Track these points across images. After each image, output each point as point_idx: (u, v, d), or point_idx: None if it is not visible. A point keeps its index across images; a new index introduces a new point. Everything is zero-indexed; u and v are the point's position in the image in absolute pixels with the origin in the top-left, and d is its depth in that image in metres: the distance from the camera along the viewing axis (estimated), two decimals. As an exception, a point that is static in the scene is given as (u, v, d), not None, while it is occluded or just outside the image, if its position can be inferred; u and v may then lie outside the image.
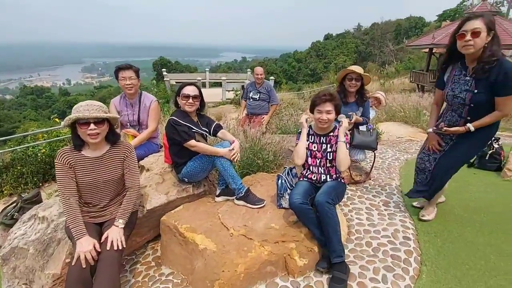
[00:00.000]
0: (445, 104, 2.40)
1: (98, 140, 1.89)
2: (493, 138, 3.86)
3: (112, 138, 2.02)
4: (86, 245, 1.79)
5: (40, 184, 5.19)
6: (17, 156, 5.28)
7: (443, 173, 2.36)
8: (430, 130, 2.42)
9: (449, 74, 2.26)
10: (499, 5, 24.49)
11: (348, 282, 1.98)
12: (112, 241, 1.86)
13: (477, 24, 1.92)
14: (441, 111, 2.46)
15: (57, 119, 7.59)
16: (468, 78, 2.10)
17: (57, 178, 1.90)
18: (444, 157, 2.34)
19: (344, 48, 46.93)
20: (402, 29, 44.90)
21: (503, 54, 1.97)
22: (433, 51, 13.23)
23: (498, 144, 3.77)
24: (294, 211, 2.22)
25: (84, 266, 1.75)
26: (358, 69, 3.12)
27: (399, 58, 32.92)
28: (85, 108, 1.83)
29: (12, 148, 5.50)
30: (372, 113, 3.83)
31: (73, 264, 1.76)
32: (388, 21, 47.78)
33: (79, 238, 1.81)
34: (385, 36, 43.93)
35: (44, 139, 5.64)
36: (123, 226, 1.97)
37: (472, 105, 2.09)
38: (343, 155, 2.31)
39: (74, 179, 1.91)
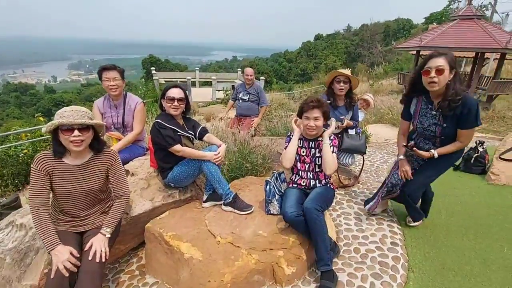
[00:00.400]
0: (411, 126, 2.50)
1: (81, 147, 1.79)
2: (478, 141, 3.93)
3: (96, 146, 1.92)
4: (62, 255, 1.69)
5: (21, 187, 5.00)
6: (-1, 156, 5.06)
7: (412, 191, 2.40)
8: (401, 157, 2.45)
9: (415, 108, 2.36)
10: (483, 9, 25.13)
11: (336, 290, 1.96)
12: (95, 251, 1.78)
13: (441, 62, 2.02)
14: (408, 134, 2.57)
15: (41, 118, 7.34)
16: (435, 112, 2.22)
17: (30, 184, 1.80)
18: (415, 176, 2.40)
19: (334, 49, 47.31)
20: (391, 30, 45.59)
21: (464, 90, 2.09)
22: (420, 53, 13.47)
23: (483, 148, 3.84)
24: (290, 224, 2.20)
25: (67, 275, 1.66)
26: (345, 71, 3.11)
27: (388, 59, 33.44)
28: (70, 114, 1.73)
29: (-7, 148, 5.28)
30: (361, 116, 3.85)
31: (51, 277, 1.66)
32: (377, 23, 48.42)
33: (52, 249, 1.71)
34: (374, 37, 44.51)
35: (28, 139, 5.44)
36: (109, 235, 1.89)
37: (443, 137, 2.23)
38: (329, 158, 2.29)
39: (48, 188, 1.81)
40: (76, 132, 1.73)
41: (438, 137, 2.25)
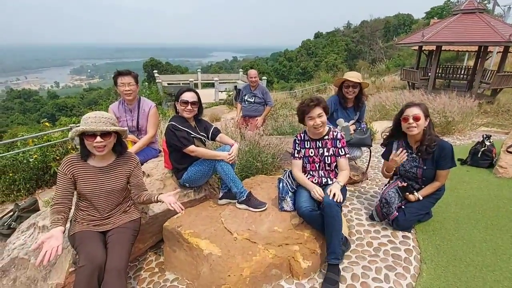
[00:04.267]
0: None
1: (104, 152, 1.89)
2: (485, 135, 3.97)
3: (119, 149, 2.03)
4: (53, 240, 1.66)
5: (33, 191, 5.10)
6: (8, 162, 5.17)
7: (404, 221, 2.48)
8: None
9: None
10: (485, 2, 25.01)
11: (351, 282, 2.04)
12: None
13: (416, 110, 2.36)
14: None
15: (47, 123, 7.45)
16: (415, 155, 2.52)
17: (56, 185, 1.90)
18: (406, 208, 2.52)
19: (335, 46, 47.28)
20: (391, 26, 45.47)
21: (436, 136, 2.44)
22: (423, 48, 13.44)
23: (490, 142, 3.88)
24: (305, 219, 2.29)
25: (45, 263, 1.61)
26: (354, 77, 3.11)
27: (389, 55, 33.37)
28: (93, 120, 1.81)
29: (1, 155, 5.38)
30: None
31: (37, 262, 1.60)
32: (377, 19, 48.33)
33: (52, 228, 1.73)
34: (374, 34, 44.43)
35: (35, 144, 5.54)
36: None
37: (424, 178, 2.52)
38: (345, 177, 2.44)
39: (71, 190, 1.92)
40: (98, 138, 1.82)
41: (419, 178, 2.54)
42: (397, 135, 2.60)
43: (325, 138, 2.49)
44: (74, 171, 1.90)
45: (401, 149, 2.47)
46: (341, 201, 2.14)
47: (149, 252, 2.63)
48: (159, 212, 2.48)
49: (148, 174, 2.82)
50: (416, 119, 2.34)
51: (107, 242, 1.97)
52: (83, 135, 1.83)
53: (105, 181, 1.98)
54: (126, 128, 2.03)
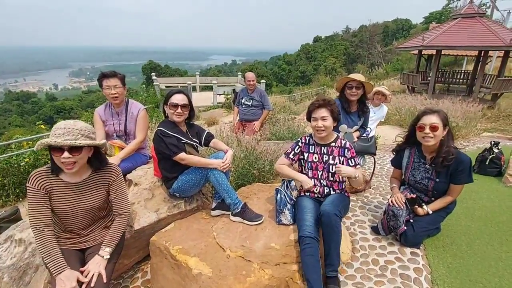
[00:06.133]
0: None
1: (73, 170, 1.62)
2: (493, 142, 3.80)
3: (95, 163, 1.75)
4: (69, 283, 1.54)
5: (23, 197, 4.89)
6: (0, 166, 4.96)
7: (413, 236, 2.29)
8: (394, 185, 2.54)
9: (408, 160, 2.43)
10: (483, 7, 25.07)
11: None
12: (92, 276, 1.63)
13: (434, 119, 2.11)
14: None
15: (42, 126, 7.25)
16: (428, 166, 2.29)
17: (28, 205, 1.63)
18: (414, 222, 2.32)
19: (334, 50, 47.31)
20: (390, 31, 45.64)
21: (455, 147, 2.18)
22: (422, 52, 13.35)
23: (498, 149, 3.70)
24: (303, 243, 1.96)
25: None
26: (358, 76, 2.94)
27: (388, 60, 33.39)
28: (60, 132, 1.55)
29: (-5, 158, 5.18)
30: (384, 110, 3.79)
31: None
32: (376, 23, 48.50)
33: (58, 274, 1.56)
34: (373, 38, 44.52)
35: (29, 147, 5.34)
36: (108, 256, 1.74)
37: (435, 191, 2.31)
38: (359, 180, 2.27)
39: (49, 206, 1.66)
40: (66, 154, 1.55)
41: (430, 191, 2.32)
42: (411, 142, 2.38)
43: (331, 145, 2.30)
44: (46, 185, 1.65)
45: (413, 195, 2.32)
46: (340, 171, 2.08)
47: (135, 268, 2.42)
48: (146, 225, 2.28)
49: (136, 183, 2.62)
50: (434, 128, 2.10)
51: (86, 260, 1.77)
52: (50, 148, 1.58)
53: (81, 198, 1.73)
54: (103, 141, 1.75)
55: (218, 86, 18.41)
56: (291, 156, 2.41)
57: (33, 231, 1.62)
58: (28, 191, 1.63)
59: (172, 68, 45.18)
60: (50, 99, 56.26)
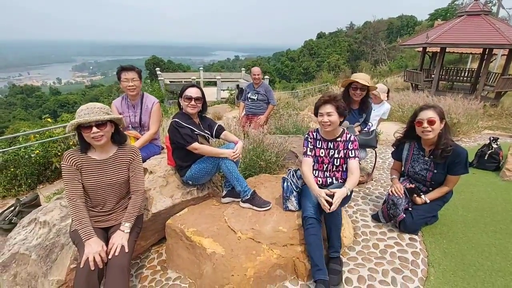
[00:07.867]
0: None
1: (102, 142, 1.87)
2: (492, 138, 3.92)
3: (118, 138, 2.01)
4: (95, 247, 1.77)
5: (34, 187, 5.08)
6: (10, 157, 5.15)
7: (411, 223, 2.43)
8: (394, 176, 2.69)
9: (407, 153, 2.59)
10: (489, 4, 24.88)
11: (358, 285, 1.99)
12: (116, 248, 1.84)
13: (431, 114, 2.27)
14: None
15: (49, 119, 7.42)
16: (427, 158, 2.45)
17: (64, 180, 1.87)
18: (413, 211, 2.48)
19: (337, 47, 47.16)
20: (394, 27, 45.35)
21: (452, 140, 2.34)
22: (427, 50, 13.37)
23: (497, 144, 3.83)
24: (306, 223, 2.12)
25: (92, 268, 1.72)
26: (363, 79, 3.04)
27: (392, 57, 33.27)
28: (86, 112, 1.80)
29: (3, 150, 5.36)
30: (384, 107, 3.89)
31: (81, 266, 1.73)
32: (380, 20, 48.17)
33: (87, 239, 1.79)
34: (377, 35, 44.29)
35: (36, 140, 5.51)
36: (129, 230, 1.96)
37: (432, 182, 2.47)
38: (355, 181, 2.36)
39: (80, 181, 1.89)
40: (94, 129, 1.81)
41: (428, 181, 2.49)
42: (409, 137, 2.54)
43: (337, 140, 2.42)
44: (78, 163, 1.88)
45: (412, 185, 2.46)
46: (335, 209, 2.08)
47: (151, 249, 2.59)
48: (162, 209, 2.44)
49: (151, 171, 2.79)
50: (431, 123, 2.26)
51: (109, 238, 1.94)
52: (79, 129, 1.82)
53: (108, 173, 1.96)
54: (121, 115, 2.01)
55: (222, 81, 18.50)
56: (308, 152, 2.49)
57: (68, 202, 1.87)
58: (62, 168, 1.87)
59: (175, 63, 45.25)
60: (53, 93, 56.63)
